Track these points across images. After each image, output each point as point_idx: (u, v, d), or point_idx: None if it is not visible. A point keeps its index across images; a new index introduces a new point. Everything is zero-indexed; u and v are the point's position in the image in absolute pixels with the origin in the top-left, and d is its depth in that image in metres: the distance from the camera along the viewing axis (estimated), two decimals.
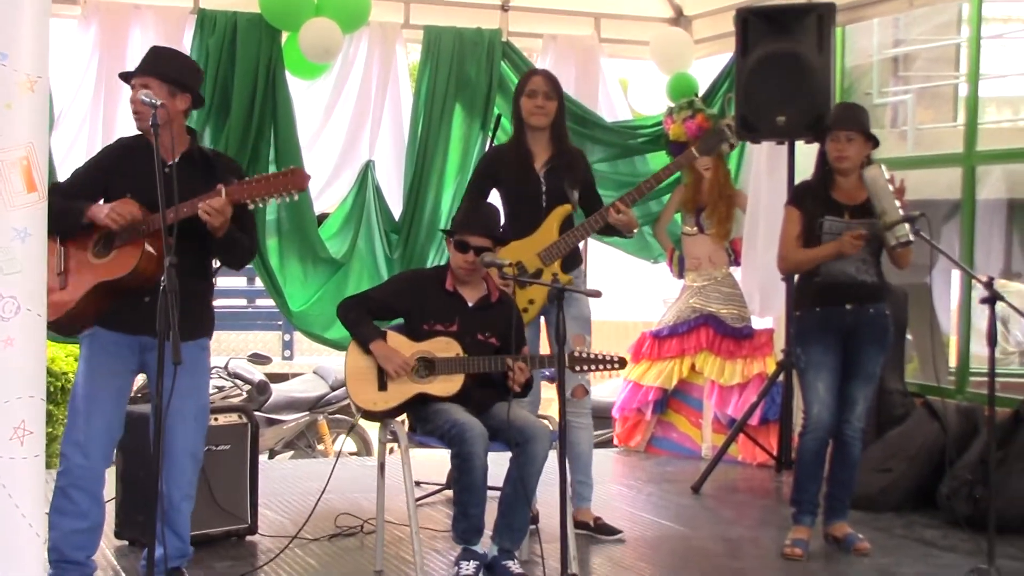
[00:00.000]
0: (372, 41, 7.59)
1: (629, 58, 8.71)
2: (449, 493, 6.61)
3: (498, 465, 5.28)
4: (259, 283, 8.25)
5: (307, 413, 9.62)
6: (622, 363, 5.27)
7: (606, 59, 8.38)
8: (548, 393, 7.31)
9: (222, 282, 14.86)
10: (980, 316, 7.00)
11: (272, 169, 7.18)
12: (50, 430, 8.72)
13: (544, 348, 6.03)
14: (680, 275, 8.47)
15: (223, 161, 5.08)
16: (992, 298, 5.11)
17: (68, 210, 4.67)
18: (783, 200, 6.19)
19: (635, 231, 6.13)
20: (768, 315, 8.19)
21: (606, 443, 8.76)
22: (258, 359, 9.65)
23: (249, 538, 5.91)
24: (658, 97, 8.45)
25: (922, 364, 8.24)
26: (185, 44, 7.08)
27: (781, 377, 7.56)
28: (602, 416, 7.21)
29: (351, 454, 9.50)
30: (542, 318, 6.06)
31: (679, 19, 8.59)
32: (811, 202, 5.78)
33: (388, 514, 5.60)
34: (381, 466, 5.46)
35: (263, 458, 8.34)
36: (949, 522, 6.35)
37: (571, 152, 6.14)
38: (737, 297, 8.23)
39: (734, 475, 7.77)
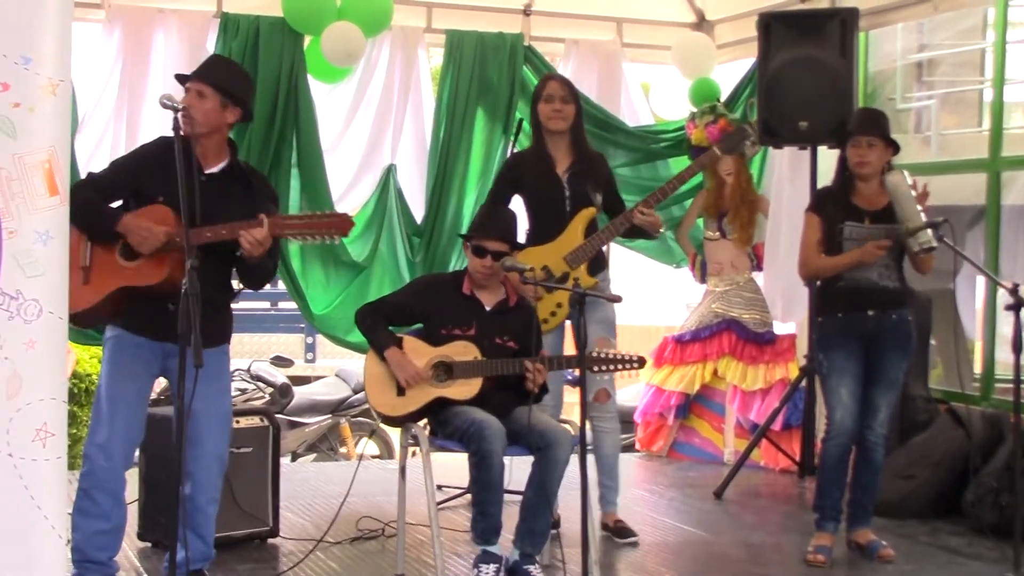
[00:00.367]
0: (394, 45, 7.60)
1: (651, 63, 8.70)
2: (470, 497, 6.61)
3: (520, 470, 5.29)
4: (282, 285, 8.26)
5: (329, 416, 9.63)
6: (641, 362, 5.25)
7: (628, 64, 8.38)
8: (571, 397, 7.32)
9: None
10: (1005, 322, 6.97)
11: (294, 173, 7.21)
12: (74, 431, 8.77)
13: (569, 352, 6.02)
14: (702, 280, 8.45)
15: (259, 180, 5.06)
16: (1017, 304, 5.10)
17: (100, 212, 4.68)
18: (805, 205, 6.17)
19: (660, 232, 6.11)
20: (790, 320, 8.16)
21: (628, 448, 8.73)
22: (280, 362, 9.67)
23: (271, 541, 5.92)
24: (680, 102, 8.43)
25: (946, 370, 8.19)
26: (208, 48, 7.10)
27: (804, 382, 7.54)
28: (624, 421, 7.20)
29: (373, 457, 9.51)
30: (567, 322, 6.06)
31: (701, 24, 8.58)
32: (831, 208, 5.76)
33: (409, 517, 5.61)
34: (402, 470, 5.46)
35: (285, 461, 8.36)
36: (974, 529, 6.32)
37: (592, 156, 6.15)
38: (759, 302, 8.21)
39: (756, 480, 7.75)
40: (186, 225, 4.31)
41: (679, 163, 8.32)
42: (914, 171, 5.84)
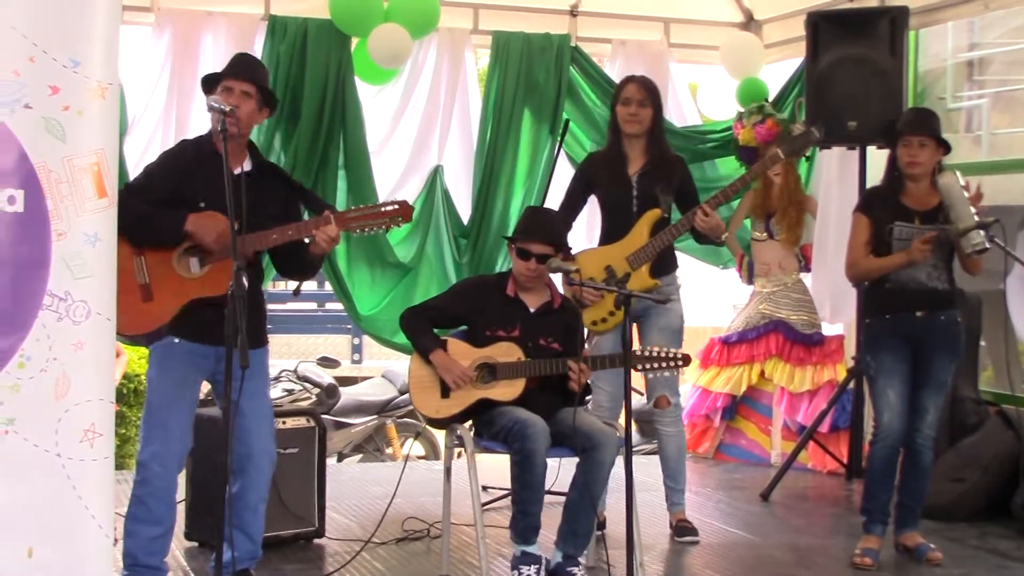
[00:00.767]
0: (441, 47, 7.61)
1: (699, 63, 8.67)
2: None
3: (565, 471, 5.29)
4: (329, 287, 8.30)
5: (375, 417, 9.66)
6: (686, 360, 5.22)
7: (675, 64, 8.34)
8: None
9: (292, 285, 15.10)
10: None
11: (341, 175, 7.24)
12: (123, 431, 8.84)
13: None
14: (750, 281, 8.41)
15: (285, 175, 5.12)
16: None
17: (162, 215, 4.68)
18: (854, 206, 6.12)
19: (724, 236, 6.07)
20: (839, 321, 8.11)
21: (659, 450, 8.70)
22: (327, 362, 9.71)
23: (316, 541, 5.95)
24: (728, 102, 8.40)
25: (997, 372, 8.11)
26: (256, 50, 7.14)
27: (852, 384, 7.49)
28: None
29: (419, 458, 9.54)
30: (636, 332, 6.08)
31: (749, 23, 8.54)
32: (880, 208, 5.72)
33: (454, 518, 5.62)
34: (447, 471, 5.47)
35: (331, 461, 8.39)
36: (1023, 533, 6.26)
37: (667, 158, 6.14)
38: (807, 303, 8.16)
39: (803, 483, 7.70)
40: (232, 229, 4.33)
41: (726, 164, 8.29)
42: (965, 171, 5.78)
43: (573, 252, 6.05)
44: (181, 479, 5.09)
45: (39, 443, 3.92)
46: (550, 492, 5.26)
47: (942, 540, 6.07)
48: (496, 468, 6.91)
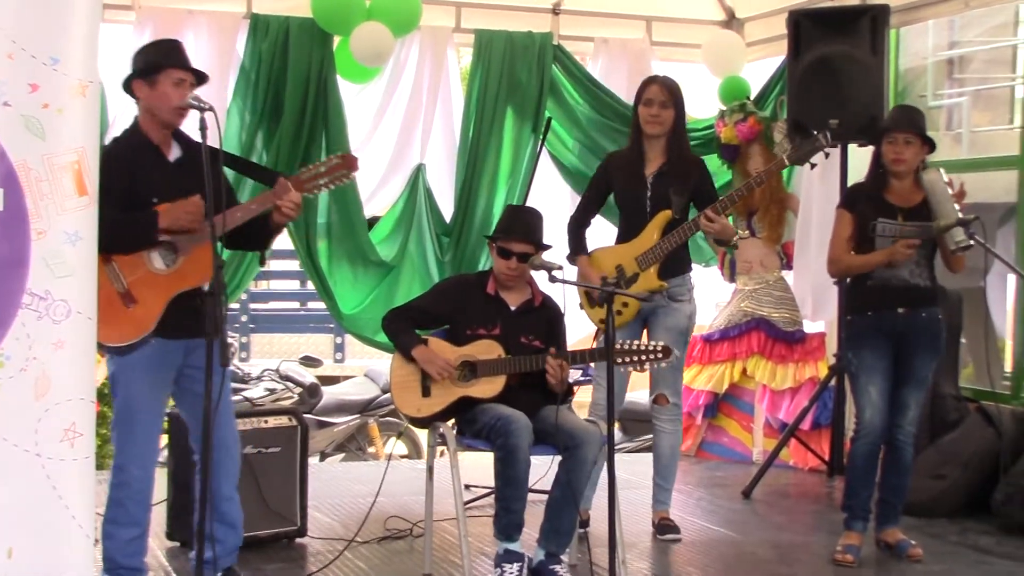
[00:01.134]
0: (423, 45, 7.61)
1: (681, 61, 8.66)
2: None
3: (548, 468, 5.29)
4: (311, 286, 8.29)
5: (358, 416, 9.66)
6: (666, 352, 5.20)
7: (657, 62, 8.34)
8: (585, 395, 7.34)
9: (275, 285, 15.12)
10: None
11: None
12: (104, 431, 8.80)
13: None
14: (731, 279, 8.43)
15: (215, 151, 5.00)
16: None
17: (135, 218, 4.60)
18: (835, 203, 6.13)
19: (736, 238, 6.04)
20: (820, 319, 8.12)
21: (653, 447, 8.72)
22: (309, 362, 9.70)
23: (298, 540, 5.94)
24: (710, 100, 8.41)
25: (977, 369, 8.15)
26: (238, 49, 7.14)
27: (833, 381, 7.51)
28: (647, 420, 7.19)
29: (401, 457, 9.53)
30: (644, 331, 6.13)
31: (731, 22, 8.55)
32: (864, 204, 5.73)
33: (436, 517, 5.61)
34: (430, 469, 5.47)
35: (313, 460, 8.39)
36: (1004, 529, 6.29)
37: (686, 160, 6.13)
38: (789, 301, 8.18)
39: (785, 480, 7.72)
40: (212, 224, 4.32)
41: (708, 161, 8.25)
42: (945, 169, 5.80)
43: (589, 250, 6.17)
44: (162, 479, 5.07)
45: (19, 443, 3.89)
46: (532, 490, 5.26)
47: (922, 536, 6.09)
48: (478, 467, 6.93)
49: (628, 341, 5.22)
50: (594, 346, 5.93)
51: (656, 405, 6.24)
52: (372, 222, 7.63)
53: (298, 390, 9.33)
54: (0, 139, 3.83)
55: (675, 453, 6.34)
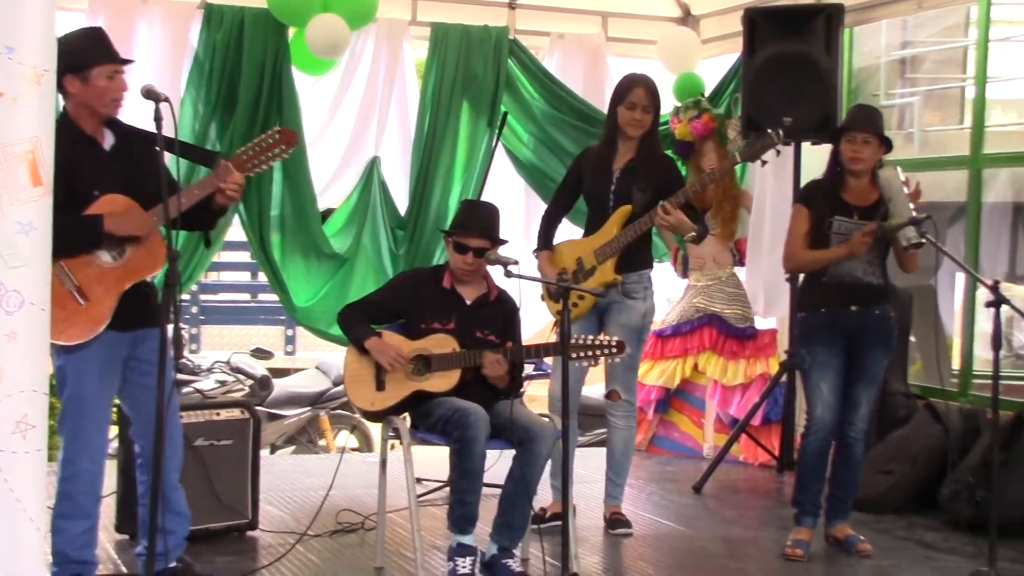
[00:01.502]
0: (379, 38, 7.58)
1: (636, 57, 8.67)
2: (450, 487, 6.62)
3: (500, 464, 5.30)
4: (262, 277, 8.25)
5: (309, 408, 9.63)
6: (620, 347, 5.22)
7: (613, 58, 8.37)
8: (540, 390, 7.34)
9: (225, 276, 15.02)
10: (983, 318, 7.00)
11: (277, 165, 7.07)
12: (51, 422, 8.70)
13: None
14: (684, 275, 8.47)
15: (148, 135, 4.92)
16: (998, 302, 5.10)
17: (79, 223, 4.51)
18: (788, 200, 6.18)
19: (693, 234, 5.99)
20: (772, 316, 8.17)
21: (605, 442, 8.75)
22: (260, 354, 9.66)
23: (250, 533, 5.92)
24: (664, 96, 8.40)
25: (925, 366, 8.23)
26: (192, 39, 7.08)
27: (784, 378, 7.56)
28: (601, 415, 7.21)
29: (352, 450, 9.51)
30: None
31: (686, 19, 8.58)
32: (821, 201, 5.77)
33: (387, 510, 5.60)
34: (383, 462, 5.45)
35: (264, 453, 8.35)
36: (950, 524, 6.35)
37: (655, 157, 6.16)
38: (741, 297, 8.23)
39: (736, 475, 7.77)
40: (167, 216, 4.29)
41: None
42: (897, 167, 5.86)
43: (555, 243, 6.23)
44: (112, 471, 5.03)
45: None
46: (486, 484, 5.26)
47: (870, 531, 6.15)
48: (430, 460, 6.93)
49: (583, 336, 5.24)
50: (551, 339, 5.92)
51: (609, 401, 6.27)
52: (326, 214, 7.60)
53: (249, 382, 9.28)
54: None
55: (628, 449, 6.36)
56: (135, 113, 4.82)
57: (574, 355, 5.17)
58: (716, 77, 8.31)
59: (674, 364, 8.39)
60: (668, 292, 8.90)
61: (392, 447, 5.44)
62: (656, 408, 8.50)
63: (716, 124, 8.05)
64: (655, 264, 6.63)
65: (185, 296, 12.04)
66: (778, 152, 5.99)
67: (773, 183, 7.77)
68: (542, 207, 7.40)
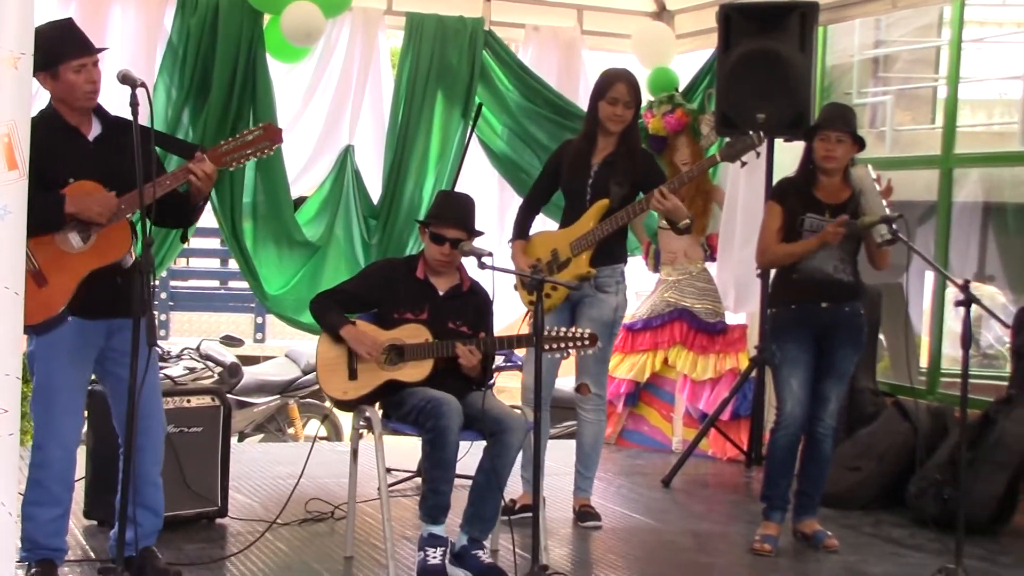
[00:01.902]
0: (354, 26, 7.56)
1: (611, 51, 8.69)
2: (420, 480, 6.62)
3: (471, 455, 5.31)
4: (232, 264, 8.23)
5: (278, 396, 9.60)
6: (592, 340, 5.23)
7: (587, 51, 8.38)
8: (513, 381, 7.33)
9: (195, 263, 14.98)
10: (952, 317, 7.05)
11: None
12: (23, 408, 8.64)
13: None
14: (655, 269, 8.48)
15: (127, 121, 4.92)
16: (968, 301, 5.13)
17: (43, 202, 4.42)
18: (760, 196, 6.20)
19: (687, 222, 5.98)
20: (742, 311, 8.21)
21: (575, 435, 8.76)
22: (230, 341, 9.60)
23: (219, 521, 5.91)
24: None
25: (894, 364, 8.28)
26: (166, 24, 7.05)
27: (753, 373, 7.59)
28: (571, 407, 7.24)
29: (321, 439, 9.49)
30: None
31: (662, 13, 8.60)
32: (793, 199, 5.79)
33: (357, 500, 5.60)
34: (354, 452, 5.45)
35: (233, 441, 8.32)
36: (916, 521, 6.40)
37: (634, 152, 6.16)
38: (712, 292, 8.26)
39: (704, 469, 7.80)
40: (143, 203, 4.27)
41: None
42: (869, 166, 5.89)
43: (531, 234, 6.27)
44: (80, 456, 5.00)
45: None
46: (457, 475, 5.26)
47: (837, 527, 6.19)
48: (400, 450, 6.93)
49: (555, 328, 5.26)
50: (521, 331, 5.94)
51: (579, 395, 6.28)
52: (299, 202, 7.58)
53: (218, 370, 9.21)
54: None
55: (598, 443, 6.38)
56: (112, 99, 4.79)
57: (547, 347, 5.18)
58: (690, 72, 8.33)
59: (644, 358, 8.41)
60: (639, 286, 8.92)
61: (361, 436, 5.44)
62: (626, 401, 8.52)
63: (690, 119, 8.08)
64: (628, 257, 6.66)
65: (154, 282, 11.98)
66: (758, 154, 6.00)
67: (745, 179, 7.80)
68: (516, 199, 7.44)
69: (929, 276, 8.36)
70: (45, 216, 4.47)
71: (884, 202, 5.54)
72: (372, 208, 7.61)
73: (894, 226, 5.49)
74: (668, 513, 6.71)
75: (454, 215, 5.42)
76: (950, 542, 5.35)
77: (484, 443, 5.21)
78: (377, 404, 5.36)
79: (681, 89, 8.25)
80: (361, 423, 5.36)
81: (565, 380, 7.98)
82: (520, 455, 5.26)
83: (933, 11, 9.75)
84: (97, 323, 4.70)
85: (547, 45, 8.25)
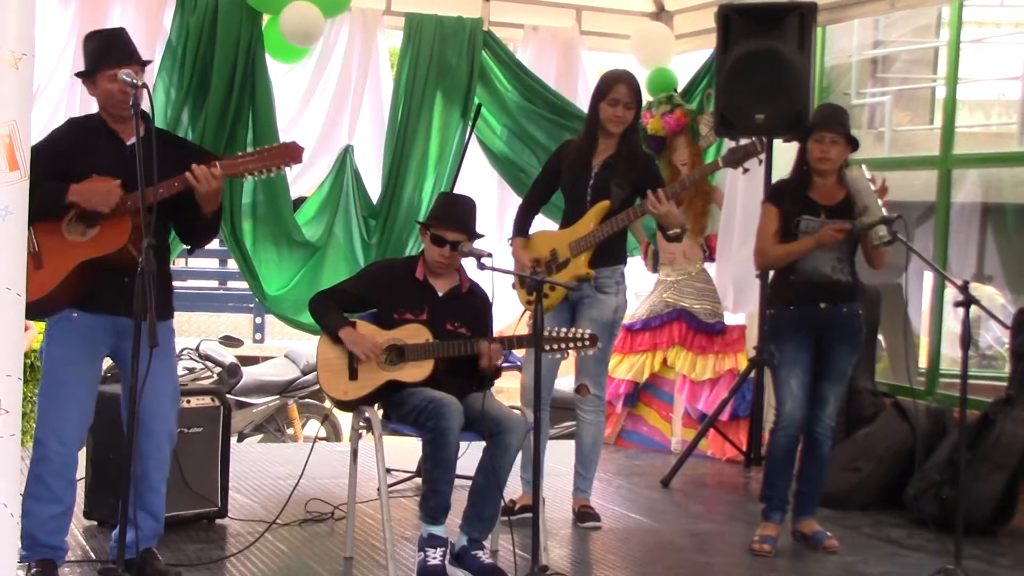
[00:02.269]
0: (353, 26, 7.57)
1: (609, 51, 8.71)
2: (419, 481, 6.63)
3: (471, 455, 5.31)
4: (232, 264, 8.23)
5: (277, 397, 9.61)
6: (593, 340, 5.24)
7: (586, 51, 8.38)
8: (511, 382, 7.33)
9: (194, 263, 15.00)
10: (951, 318, 7.06)
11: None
12: (24, 409, 8.64)
13: None
14: (654, 269, 8.49)
15: (173, 137, 5.00)
16: (967, 302, 5.14)
17: (46, 189, 4.52)
18: (759, 197, 6.20)
19: (678, 231, 5.98)
20: (741, 311, 8.22)
21: (574, 435, 8.76)
22: (229, 341, 9.63)
23: (219, 521, 5.91)
24: None
25: (893, 364, 8.29)
26: (165, 24, 7.05)
27: (752, 374, 7.60)
28: (571, 408, 7.25)
29: (320, 439, 9.49)
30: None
31: (661, 14, 8.60)
32: (789, 200, 5.80)
33: (358, 501, 5.60)
34: (354, 452, 5.45)
35: (232, 441, 8.33)
36: (915, 522, 6.41)
37: (635, 154, 6.16)
38: (710, 293, 8.26)
39: (703, 470, 7.81)
40: (144, 202, 4.28)
41: None
42: (867, 166, 5.89)
43: (531, 232, 6.28)
44: (81, 457, 5.01)
45: None
46: (457, 476, 5.27)
47: (837, 528, 6.19)
48: (399, 450, 6.94)
49: (555, 328, 5.27)
50: (519, 330, 5.94)
51: (578, 395, 6.29)
52: (298, 203, 7.58)
53: (217, 370, 9.25)
54: None
55: (597, 443, 6.38)
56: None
57: (547, 347, 5.19)
58: (689, 72, 8.34)
59: (643, 358, 8.42)
60: (638, 287, 8.93)
61: (361, 436, 5.44)
62: (625, 402, 8.53)
63: (688, 119, 8.09)
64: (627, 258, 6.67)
65: None
66: (760, 162, 6.01)
67: (744, 180, 7.76)
68: (515, 199, 7.44)
69: (928, 277, 8.36)
70: (46, 202, 4.51)
71: (880, 202, 5.55)
72: (371, 208, 7.61)
73: (893, 227, 5.49)
74: (667, 513, 6.72)
75: (455, 218, 5.42)
76: (949, 542, 5.37)
77: (483, 443, 5.21)
78: (377, 404, 5.37)
79: (680, 89, 8.25)
80: (361, 423, 5.36)
81: (565, 381, 7.99)
82: (520, 455, 5.27)
83: (931, 12, 9.75)
84: (103, 319, 4.73)
85: (546, 45, 8.25)
